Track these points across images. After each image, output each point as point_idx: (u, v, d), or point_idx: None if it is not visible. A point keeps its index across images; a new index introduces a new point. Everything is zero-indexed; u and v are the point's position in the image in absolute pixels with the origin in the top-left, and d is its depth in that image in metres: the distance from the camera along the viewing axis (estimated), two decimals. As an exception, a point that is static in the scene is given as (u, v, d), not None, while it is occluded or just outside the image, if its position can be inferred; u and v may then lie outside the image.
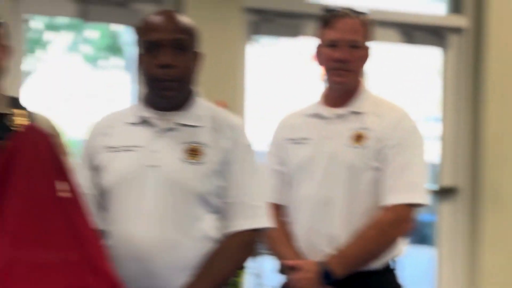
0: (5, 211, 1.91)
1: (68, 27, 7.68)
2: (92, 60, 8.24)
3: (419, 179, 2.75)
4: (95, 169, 2.44)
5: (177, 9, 4.59)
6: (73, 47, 8.11)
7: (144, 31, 2.37)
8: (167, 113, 2.40)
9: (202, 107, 2.46)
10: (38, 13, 4.84)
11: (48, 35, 7.14)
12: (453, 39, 5.52)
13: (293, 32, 5.22)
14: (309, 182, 2.78)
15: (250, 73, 5.11)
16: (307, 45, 5.47)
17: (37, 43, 6.84)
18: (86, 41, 8.29)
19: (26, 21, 4.51)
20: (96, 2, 4.61)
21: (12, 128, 2.64)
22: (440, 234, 5.82)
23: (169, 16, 2.39)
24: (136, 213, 2.34)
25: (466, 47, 5.44)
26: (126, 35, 6.13)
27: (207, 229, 2.36)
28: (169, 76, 2.33)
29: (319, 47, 2.85)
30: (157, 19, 2.37)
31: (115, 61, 7.92)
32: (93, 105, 6.64)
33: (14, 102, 2.79)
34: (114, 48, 7.84)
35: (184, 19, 2.40)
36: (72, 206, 2.00)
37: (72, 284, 1.92)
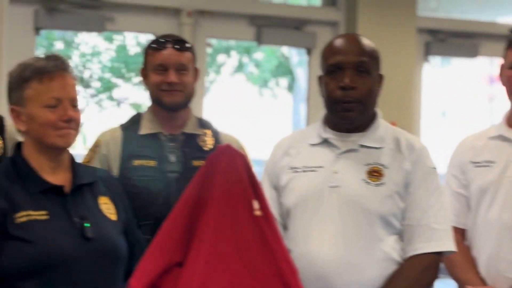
0: (203, 228, 1.95)
1: (237, 49, 7.96)
2: (260, 81, 8.48)
3: None
4: (278, 188, 2.44)
5: (350, 31, 4.74)
6: (242, 69, 8.38)
7: (328, 54, 2.34)
8: (349, 134, 2.36)
9: (384, 128, 2.41)
10: (218, 37, 4.95)
11: (220, 57, 7.42)
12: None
13: (469, 52, 5.16)
14: (493, 206, 2.67)
15: (425, 94, 5.08)
16: (483, 65, 5.48)
17: (210, 65, 7.11)
18: (255, 62, 8.54)
19: (208, 44, 4.65)
20: (272, 25, 4.71)
21: (204, 148, 2.84)
22: None
23: (352, 39, 2.38)
24: (318, 233, 2.32)
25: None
26: (296, 57, 6.29)
27: (389, 250, 2.31)
28: (350, 98, 2.29)
29: (502, 68, 2.76)
30: (340, 42, 2.36)
31: (282, 82, 8.14)
32: (260, 125, 6.78)
33: (201, 122, 2.91)
34: (281, 70, 8.04)
35: (367, 42, 2.36)
36: (264, 224, 2.00)
37: None
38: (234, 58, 8.01)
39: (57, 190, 2.09)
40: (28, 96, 2.07)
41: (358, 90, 2.27)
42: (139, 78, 2.21)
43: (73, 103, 2.09)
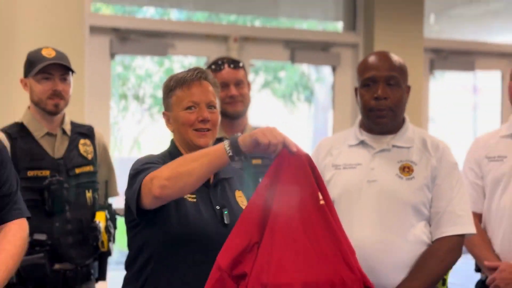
0: (277, 214, 1.88)
1: (265, 69, 7.93)
2: (283, 95, 8.43)
3: None
4: None
5: (368, 52, 4.60)
6: (268, 85, 8.34)
7: (363, 69, 2.33)
8: (382, 136, 2.35)
9: (412, 131, 2.38)
10: (259, 58, 4.94)
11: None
12: None
13: (466, 67, 5.14)
14: (505, 194, 2.59)
15: (432, 104, 5.03)
16: (479, 78, 5.47)
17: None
18: (279, 80, 8.50)
19: (251, 65, 4.67)
20: (303, 48, 4.71)
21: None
22: None
23: (384, 56, 2.34)
24: (359, 220, 2.29)
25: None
26: (314, 74, 6.25)
27: (419, 234, 2.28)
28: (383, 107, 2.28)
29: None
30: (373, 59, 2.34)
31: (302, 96, 8.05)
32: (285, 130, 6.77)
33: (254, 128, 2.79)
34: (301, 85, 7.95)
35: (397, 58, 2.34)
36: (327, 211, 1.94)
37: (333, 275, 1.87)
38: (261, 77, 7.97)
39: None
40: (173, 102, 2.08)
41: (390, 100, 2.27)
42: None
43: (210, 105, 2.07)
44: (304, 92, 7.88)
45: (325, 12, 5.05)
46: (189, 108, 2.05)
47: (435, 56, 5.04)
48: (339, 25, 4.99)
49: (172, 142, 2.17)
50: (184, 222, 2.01)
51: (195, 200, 2.05)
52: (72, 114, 2.84)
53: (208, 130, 2.07)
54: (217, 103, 2.13)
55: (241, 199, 2.18)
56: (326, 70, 4.99)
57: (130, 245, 2.10)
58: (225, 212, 2.08)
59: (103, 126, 4.06)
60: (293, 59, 4.75)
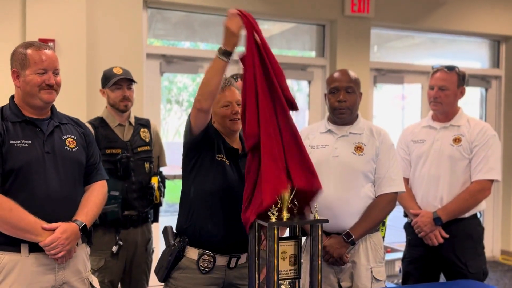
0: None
1: None
2: None
3: (496, 165, 2.48)
4: None
5: (332, 71, 4.58)
6: None
7: (330, 81, 2.29)
8: (343, 126, 2.31)
9: (363, 122, 2.35)
10: None
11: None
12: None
13: (398, 81, 5.07)
14: (424, 166, 2.56)
15: (375, 106, 5.01)
16: (406, 88, 5.46)
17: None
18: None
19: None
20: (288, 68, 4.57)
21: None
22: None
23: (344, 72, 2.29)
24: (327, 183, 2.16)
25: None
26: (296, 86, 6.09)
27: (367, 192, 2.23)
28: (343, 107, 2.25)
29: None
30: (337, 74, 2.29)
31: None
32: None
33: None
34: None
35: (353, 74, 2.28)
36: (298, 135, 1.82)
37: (307, 180, 1.75)
38: None
39: (234, 151, 2.03)
40: (215, 101, 1.94)
41: (348, 102, 2.24)
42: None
43: (238, 103, 1.98)
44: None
45: (303, 44, 4.98)
46: (225, 105, 2.00)
47: (377, 74, 5.00)
48: (313, 53, 4.92)
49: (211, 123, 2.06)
50: (218, 180, 1.95)
51: (228, 162, 1.99)
52: (135, 112, 2.82)
53: (239, 119, 1.99)
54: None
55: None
56: (304, 83, 4.92)
57: (183, 188, 2.04)
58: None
59: (155, 116, 4.08)
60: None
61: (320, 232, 1.61)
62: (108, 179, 2.10)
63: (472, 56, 5.58)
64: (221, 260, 1.95)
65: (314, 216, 1.65)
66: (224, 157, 1.99)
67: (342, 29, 4.58)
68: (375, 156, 2.25)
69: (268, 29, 4.80)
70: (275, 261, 1.52)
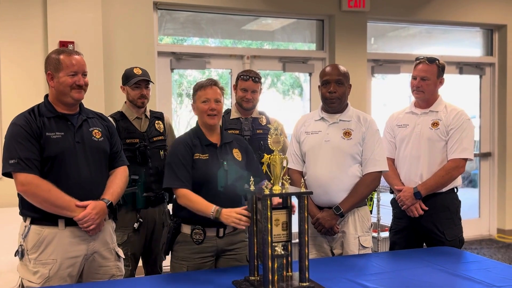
0: None
1: (271, 75, 7.88)
2: (283, 91, 8.38)
3: (469, 146, 2.55)
4: (299, 142, 2.43)
5: (332, 62, 4.75)
6: (274, 85, 8.29)
7: (322, 74, 2.36)
8: (333, 114, 2.37)
9: (352, 111, 2.40)
10: (264, 69, 4.82)
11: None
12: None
13: (395, 71, 5.15)
14: (407, 147, 2.61)
15: (373, 95, 5.03)
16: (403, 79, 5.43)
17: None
18: (281, 81, 8.42)
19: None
20: (291, 61, 4.71)
21: (262, 124, 2.79)
22: (481, 181, 5.60)
23: (334, 66, 2.37)
24: (320, 164, 2.33)
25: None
26: (302, 77, 6.23)
27: (355, 171, 2.31)
28: (333, 97, 2.32)
29: (411, 78, 2.63)
30: (328, 68, 2.36)
31: (296, 91, 8.00)
32: (285, 114, 6.70)
33: (260, 112, 2.82)
34: (295, 85, 7.92)
35: (343, 68, 2.36)
36: None
37: None
38: (269, 79, 7.92)
39: (213, 145, 2.17)
40: (196, 98, 2.18)
41: (337, 93, 2.33)
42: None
43: (216, 100, 2.14)
44: (297, 89, 7.88)
45: (304, 38, 4.99)
46: (204, 102, 2.14)
47: (374, 64, 5.04)
48: (313, 45, 4.93)
49: (197, 123, 2.24)
50: (197, 173, 2.10)
51: (207, 157, 2.13)
52: (149, 105, 2.85)
53: (215, 115, 2.14)
54: (222, 99, 2.17)
55: (237, 154, 2.20)
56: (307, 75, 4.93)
57: None
58: (224, 163, 2.14)
59: (167, 109, 4.23)
60: (284, 69, 4.73)
61: (306, 202, 1.76)
62: (129, 164, 2.23)
63: (466, 45, 5.59)
64: (210, 232, 2.12)
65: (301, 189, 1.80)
66: (200, 154, 2.13)
67: (340, 24, 4.66)
68: (361, 140, 2.34)
69: (270, 23, 4.85)
70: (269, 226, 1.69)
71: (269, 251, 1.66)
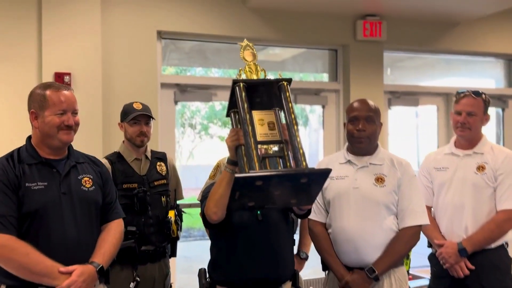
0: None
1: None
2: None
3: None
4: (322, 189, 2.21)
5: (346, 96, 4.54)
6: None
7: (349, 110, 2.24)
8: (362, 157, 2.23)
9: (383, 152, 2.27)
10: None
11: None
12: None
13: (413, 103, 5.01)
14: (447, 194, 2.48)
15: (390, 127, 4.91)
16: (422, 110, 5.31)
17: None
18: None
19: None
20: (302, 93, 4.55)
21: None
22: None
23: (363, 101, 2.23)
24: (348, 215, 2.17)
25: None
26: (308, 108, 6.08)
27: (390, 224, 2.16)
28: (362, 136, 2.19)
29: (451, 113, 2.54)
30: (357, 103, 2.23)
31: (300, 122, 7.94)
32: None
33: None
34: (300, 115, 7.86)
35: (373, 103, 2.22)
36: None
37: None
38: None
39: None
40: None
41: (367, 132, 2.18)
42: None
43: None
44: (302, 119, 7.85)
45: (316, 68, 4.90)
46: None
47: (391, 96, 4.92)
48: (325, 75, 4.83)
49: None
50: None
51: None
52: (151, 141, 2.72)
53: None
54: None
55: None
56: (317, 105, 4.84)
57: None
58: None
59: (169, 144, 4.05)
60: (295, 101, 4.56)
61: (287, 91, 1.69)
62: (125, 216, 2.06)
63: (487, 76, 5.46)
64: None
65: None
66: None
67: (355, 53, 4.54)
68: (396, 188, 2.17)
69: (280, 53, 4.75)
70: (249, 127, 1.57)
71: (254, 152, 1.53)
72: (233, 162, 1.76)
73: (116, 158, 2.56)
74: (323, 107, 4.73)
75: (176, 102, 4.22)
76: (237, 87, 1.64)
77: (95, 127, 3.53)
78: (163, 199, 2.59)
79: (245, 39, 1.88)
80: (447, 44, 4.88)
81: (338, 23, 4.47)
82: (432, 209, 2.55)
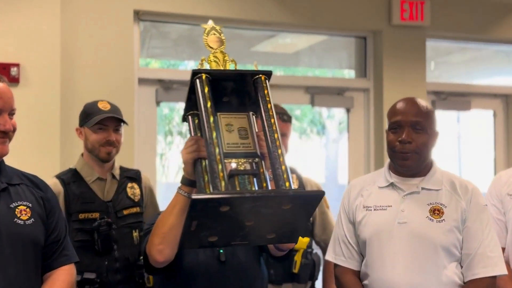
0: None
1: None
2: (299, 129, 8.47)
3: None
4: (354, 223, 2.24)
5: (378, 97, 4.55)
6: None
7: (391, 114, 2.15)
8: (411, 178, 2.14)
9: (440, 173, 2.18)
10: (285, 103, 4.76)
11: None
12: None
13: (463, 107, 5.00)
14: None
15: None
16: (476, 116, 5.25)
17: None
18: (296, 117, 8.50)
19: None
20: (321, 93, 4.56)
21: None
22: None
23: (411, 102, 2.12)
24: (391, 261, 2.09)
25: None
26: (325, 112, 6.14)
27: (451, 275, 2.06)
28: (406, 149, 2.08)
29: None
30: (401, 104, 2.13)
31: (314, 129, 8.09)
32: (302, 155, 6.66)
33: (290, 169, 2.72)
34: (314, 122, 8.03)
35: (424, 104, 2.12)
36: None
37: None
38: None
39: None
40: None
41: (414, 144, 2.06)
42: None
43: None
44: (316, 126, 8.03)
45: (339, 62, 4.88)
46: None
47: (436, 98, 4.88)
48: (351, 72, 4.81)
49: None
50: None
51: None
52: (122, 153, 2.69)
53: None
54: None
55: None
56: (337, 108, 4.84)
57: None
58: None
59: (149, 160, 4.05)
60: (312, 103, 4.58)
61: (265, 88, 1.64)
62: (78, 260, 1.95)
63: None
64: None
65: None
66: None
67: (390, 42, 4.52)
68: (460, 223, 2.07)
69: (293, 43, 4.74)
70: (213, 133, 1.47)
71: (218, 167, 1.44)
72: (189, 181, 1.71)
73: (71, 177, 2.47)
74: (348, 110, 4.70)
75: (158, 103, 4.16)
76: (197, 80, 1.54)
77: (50, 134, 3.47)
78: (135, 234, 2.49)
79: (210, 20, 1.78)
80: (505, 31, 4.86)
81: (368, 3, 4.44)
82: (505, 250, 2.42)
